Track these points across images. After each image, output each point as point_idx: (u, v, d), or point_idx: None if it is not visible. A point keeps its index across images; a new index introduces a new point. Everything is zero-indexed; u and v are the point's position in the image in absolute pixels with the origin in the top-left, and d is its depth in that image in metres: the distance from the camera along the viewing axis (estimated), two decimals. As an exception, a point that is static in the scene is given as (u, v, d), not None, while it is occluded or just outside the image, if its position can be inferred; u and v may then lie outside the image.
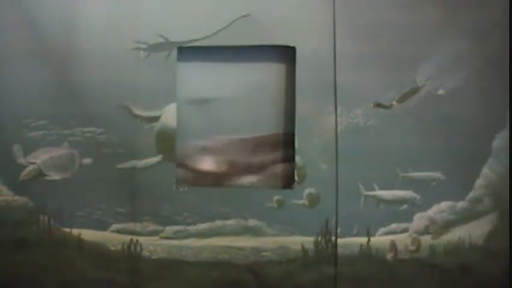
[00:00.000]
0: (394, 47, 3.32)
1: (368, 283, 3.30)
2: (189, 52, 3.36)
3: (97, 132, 3.34)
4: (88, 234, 3.32)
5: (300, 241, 3.32)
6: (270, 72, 3.46)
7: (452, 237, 3.35)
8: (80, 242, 3.31)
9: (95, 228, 3.32)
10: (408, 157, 3.32)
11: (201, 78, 3.44)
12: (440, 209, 3.35)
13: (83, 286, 3.29)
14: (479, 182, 3.34)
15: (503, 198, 3.35)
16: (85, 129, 3.34)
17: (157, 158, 3.32)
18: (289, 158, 3.41)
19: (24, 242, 3.30)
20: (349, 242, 3.31)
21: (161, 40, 3.34)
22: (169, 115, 3.34)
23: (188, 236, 3.34)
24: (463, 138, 3.32)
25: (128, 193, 3.31)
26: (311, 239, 3.31)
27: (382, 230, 3.33)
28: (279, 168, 3.44)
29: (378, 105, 3.34)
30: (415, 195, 3.35)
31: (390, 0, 3.36)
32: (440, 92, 3.35)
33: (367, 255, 3.32)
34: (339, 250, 3.31)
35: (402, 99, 3.34)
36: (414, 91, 3.34)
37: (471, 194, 3.35)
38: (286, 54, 3.38)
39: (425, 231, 3.35)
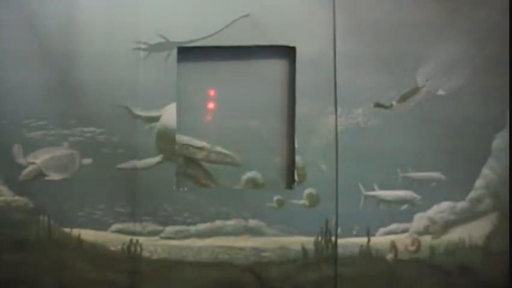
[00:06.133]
0: (394, 47, 3.33)
1: (368, 283, 3.30)
2: (189, 52, 3.36)
3: (97, 132, 3.33)
4: (88, 234, 3.31)
5: (300, 241, 3.32)
6: (270, 72, 3.47)
7: (452, 237, 3.35)
8: (80, 242, 3.31)
9: (95, 228, 3.32)
10: (408, 157, 3.32)
11: (201, 78, 3.44)
12: (440, 209, 3.35)
13: (83, 286, 3.29)
14: (479, 182, 3.35)
15: (503, 199, 3.35)
16: (85, 129, 3.34)
17: (157, 158, 3.32)
18: (289, 158, 3.41)
19: (24, 242, 3.29)
20: (349, 242, 3.31)
21: (161, 40, 3.34)
22: (169, 115, 3.34)
23: (189, 236, 3.33)
24: (463, 138, 3.32)
25: (128, 193, 3.31)
26: (311, 239, 3.30)
27: (382, 230, 3.33)
28: (279, 168, 3.45)
29: (378, 105, 3.34)
30: (415, 195, 3.35)
31: (390, 0, 3.36)
32: (440, 92, 3.35)
33: (367, 255, 3.32)
34: (339, 250, 3.31)
35: (402, 99, 3.34)
36: (414, 91, 3.34)
37: (471, 194, 3.35)
38: (286, 54, 3.38)
39: (425, 231, 3.35)
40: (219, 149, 3.42)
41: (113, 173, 3.31)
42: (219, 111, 3.45)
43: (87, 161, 3.35)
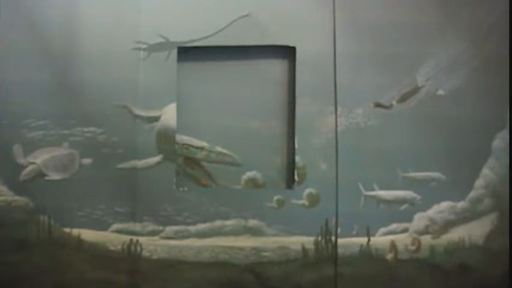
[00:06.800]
0: (394, 47, 3.32)
1: (368, 283, 3.30)
2: (189, 52, 3.36)
3: (97, 132, 3.33)
4: (88, 234, 3.31)
5: (300, 241, 3.32)
6: (269, 72, 3.47)
7: (452, 237, 3.35)
8: (80, 242, 3.31)
9: (95, 228, 3.31)
10: (408, 157, 3.32)
11: (201, 78, 3.44)
12: (440, 209, 3.35)
13: (83, 286, 3.29)
14: (479, 182, 3.35)
15: (503, 198, 3.35)
16: (85, 129, 3.33)
17: (157, 158, 3.32)
18: (289, 158, 3.41)
19: (24, 242, 3.29)
20: (349, 242, 3.31)
21: (161, 40, 3.34)
22: (169, 115, 3.34)
23: (189, 236, 3.33)
24: (463, 138, 3.32)
25: (128, 193, 3.31)
26: (311, 239, 3.31)
27: (382, 230, 3.33)
28: (279, 168, 3.45)
29: (378, 105, 3.34)
30: (415, 195, 3.35)
31: (390, 0, 3.36)
32: (440, 92, 3.35)
33: (367, 255, 3.32)
34: (339, 250, 3.31)
35: (402, 99, 3.34)
36: (414, 91, 3.34)
37: (471, 194, 3.35)
38: (286, 54, 3.38)
39: (425, 231, 3.35)
40: (219, 149, 3.42)
41: (113, 173, 3.30)
42: (219, 111, 3.45)
43: (87, 161, 3.34)
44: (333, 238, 3.30)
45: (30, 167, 3.33)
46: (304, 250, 3.31)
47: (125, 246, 3.31)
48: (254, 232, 3.34)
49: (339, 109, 3.33)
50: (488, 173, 3.35)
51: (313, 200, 3.32)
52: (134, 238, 3.31)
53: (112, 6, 3.34)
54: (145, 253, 3.32)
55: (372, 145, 3.32)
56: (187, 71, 3.41)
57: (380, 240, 3.33)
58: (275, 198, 3.34)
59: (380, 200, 3.35)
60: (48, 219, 3.30)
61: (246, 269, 3.31)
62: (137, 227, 3.32)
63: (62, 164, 3.34)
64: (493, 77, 3.33)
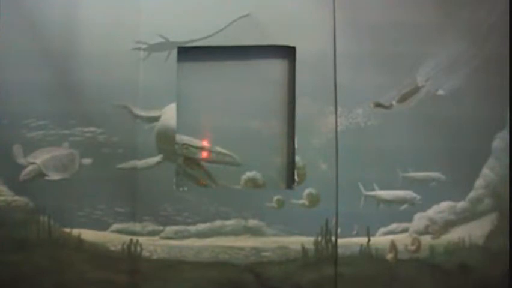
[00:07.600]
0: (394, 47, 3.32)
1: (368, 283, 3.30)
2: (189, 52, 3.36)
3: (97, 132, 3.33)
4: (88, 234, 3.31)
5: (300, 241, 3.32)
6: (269, 72, 3.47)
7: (452, 237, 3.35)
8: (80, 242, 3.31)
9: (95, 228, 3.32)
10: (408, 157, 3.32)
11: (201, 78, 3.44)
12: (440, 209, 3.35)
13: (83, 286, 3.29)
14: (479, 182, 3.35)
15: (503, 198, 3.35)
16: (85, 129, 3.34)
17: (157, 158, 3.32)
18: (289, 158, 3.42)
19: (24, 242, 3.29)
20: (349, 242, 3.31)
21: (161, 40, 3.34)
22: (169, 115, 3.34)
23: (189, 236, 3.33)
24: (463, 138, 3.32)
25: (128, 193, 3.31)
26: (311, 239, 3.31)
27: (382, 230, 3.33)
28: (279, 168, 3.45)
29: (378, 105, 3.34)
30: (415, 195, 3.35)
31: (390, 0, 3.36)
32: (440, 92, 3.35)
33: (367, 255, 3.32)
34: (339, 250, 3.31)
35: (402, 99, 3.34)
36: (414, 91, 3.34)
37: (471, 194, 3.35)
38: (286, 54, 3.38)
39: (425, 231, 3.35)
40: (219, 149, 3.43)
41: (113, 173, 3.30)
42: (219, 111, 3.45)
43: (87, 161, 3.35)
44: (333, 238, 3.30)
45: (30, 167, 3.33)
46: (304, 250, 3.31)
47: (125, 246, 3.31)
48: (254, 232, 3.34)
49: (339, 109, 3.33)
50: (488, 173, 3.35)
51: (313, 200, 3.32)
52: (134, 238, 3.31)
53: (112, 6, 3.34)
54: (145, 253, 3.32)
55: (372, 145, 3.32)
56: (187, 71, 3.41)
57: (380, 240, 3.33)
58: (275, 198, 3.34)
59: (380, 200, 3.35)
60: (48, 219, 3.31)
61: (246, 269, 3.31)
62: (137, 227, 3.32)
63: (62, 164, 3.34)
64: (493, 77, 3.33)
